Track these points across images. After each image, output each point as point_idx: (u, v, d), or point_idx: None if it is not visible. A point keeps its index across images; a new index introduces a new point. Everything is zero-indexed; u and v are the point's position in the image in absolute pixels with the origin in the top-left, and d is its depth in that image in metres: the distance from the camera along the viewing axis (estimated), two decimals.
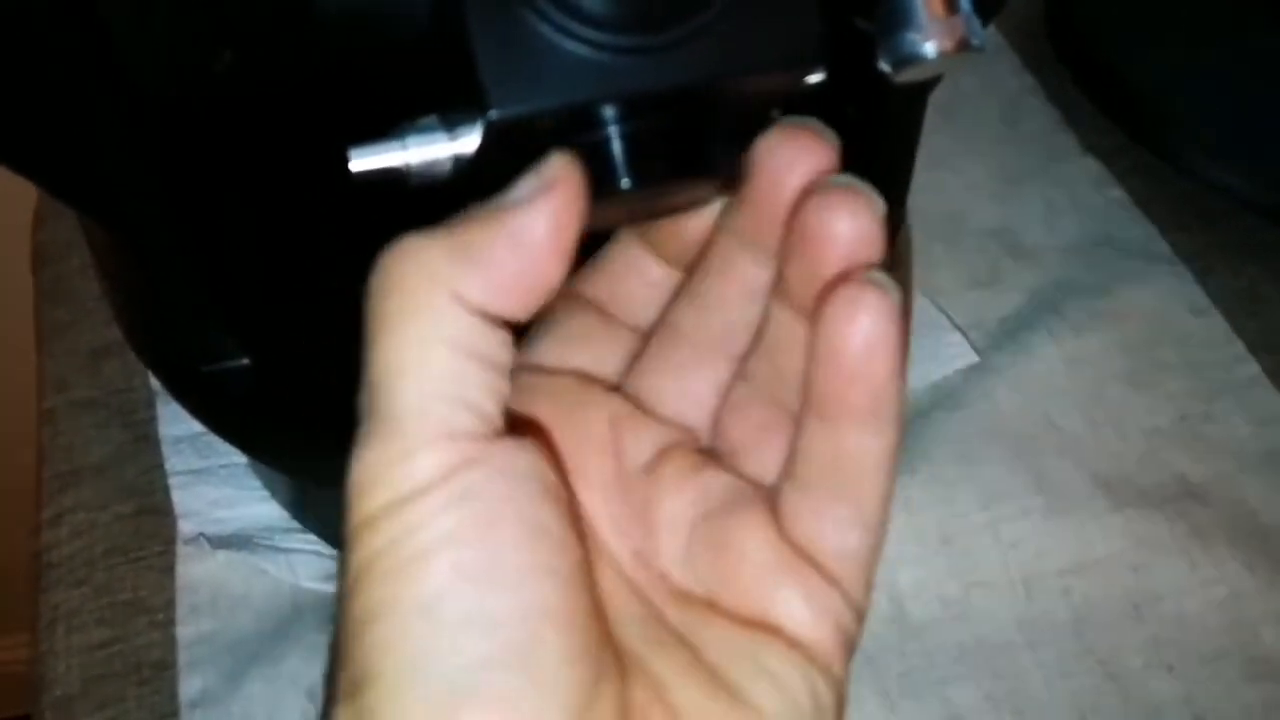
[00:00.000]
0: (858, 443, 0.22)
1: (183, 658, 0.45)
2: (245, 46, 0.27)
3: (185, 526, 0.48)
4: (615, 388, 0.26)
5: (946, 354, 0.53)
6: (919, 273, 0.55)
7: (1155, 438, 0.51)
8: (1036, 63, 0.66)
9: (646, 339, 0.26)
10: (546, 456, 0.22)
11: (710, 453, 0.25)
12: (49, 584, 0.48)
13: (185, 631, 0.46)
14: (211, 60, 0.28)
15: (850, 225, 0.21)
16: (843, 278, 0.21)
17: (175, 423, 0.51)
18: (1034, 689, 0.45)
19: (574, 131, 0.24)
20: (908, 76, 0.27)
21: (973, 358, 0.53)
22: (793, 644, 0.23)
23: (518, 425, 0.22)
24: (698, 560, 0.24)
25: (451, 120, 0.25)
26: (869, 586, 0.24)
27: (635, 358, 0.26)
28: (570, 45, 0.22)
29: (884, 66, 0.27)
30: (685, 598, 0.24)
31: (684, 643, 0.23)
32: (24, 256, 0.61)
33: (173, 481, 0.49)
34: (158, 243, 0.35)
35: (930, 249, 0.57)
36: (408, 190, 0.26)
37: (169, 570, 0.47)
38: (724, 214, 0.25)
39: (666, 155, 0.24)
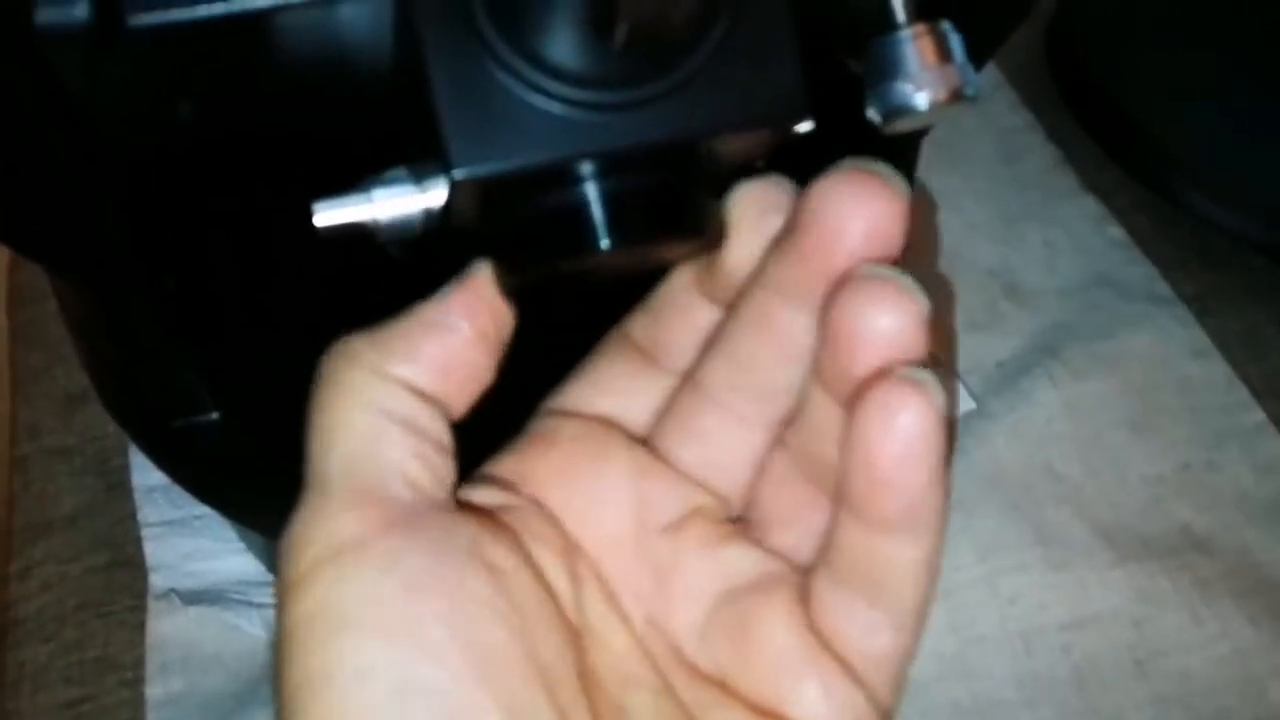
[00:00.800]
0: (892, 550, 0.20)
1: (152, 718, 0.44)
2: (202, 97, 0.25)
3: (157, 581, 0.46)
4: (645, 439, 0.24)
5: None
6: None
7: (1157, 487, 0.50)
8: (1034, 99, 0.65)
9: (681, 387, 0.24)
10: (505, 538, 0.22)
11: (740, 521, 0.24)
12: (16, 640, 0.46)
13: (155, 691, 0.44)
14: (172, 111, 0.27)
15: (889, 324, 0.19)
16: (880, 374, 0.19)
17: (148, 472, 0.49)
18: None
19: (547, 189, 0.23)
20: (898, 128, 0.26)
21: (970, 404, 0.51)
22: None
23: (474, 510, 0.22)
24: (715, 637, 0.23)
25: (420, 172, 0.24)
26: (898, 689, 0.22)
27: (669, 409, 0.24)
28: (539, 101, 0.21)
29: (873, 117, 0.26)
30: (697, 673, 0.23)
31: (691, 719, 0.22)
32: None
33: (145, 533, 0.48)
34: (125, 295, 0.34)
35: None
36: (378, 245, 0.25)
37: (140, 626, 0.46)
38: (768, 259, 0.22)
39: (647, 214, 0.23)
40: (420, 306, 0.22)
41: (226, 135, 0.27)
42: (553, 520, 0.23)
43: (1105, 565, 0.47)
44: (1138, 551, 0.48)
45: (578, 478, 0.23)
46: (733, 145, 0.23)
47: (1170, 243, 0.59)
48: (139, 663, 0.45)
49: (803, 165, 0.24)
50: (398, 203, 0.24)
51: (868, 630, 0.21)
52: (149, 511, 0.48)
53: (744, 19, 0.22)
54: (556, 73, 0.21)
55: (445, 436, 0.22)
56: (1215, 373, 0.54)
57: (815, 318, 0.21)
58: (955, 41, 0.25)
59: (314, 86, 0.25)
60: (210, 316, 0.34)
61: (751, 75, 0.22)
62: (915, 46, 0.25)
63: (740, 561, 0.23)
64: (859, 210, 0.20)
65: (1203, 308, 0.56)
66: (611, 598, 0.23)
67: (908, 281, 0.20)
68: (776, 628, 0.22)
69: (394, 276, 0.29)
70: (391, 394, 0.21)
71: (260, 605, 0.45)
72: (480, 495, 0.23)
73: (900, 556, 0.20)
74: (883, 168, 0.21)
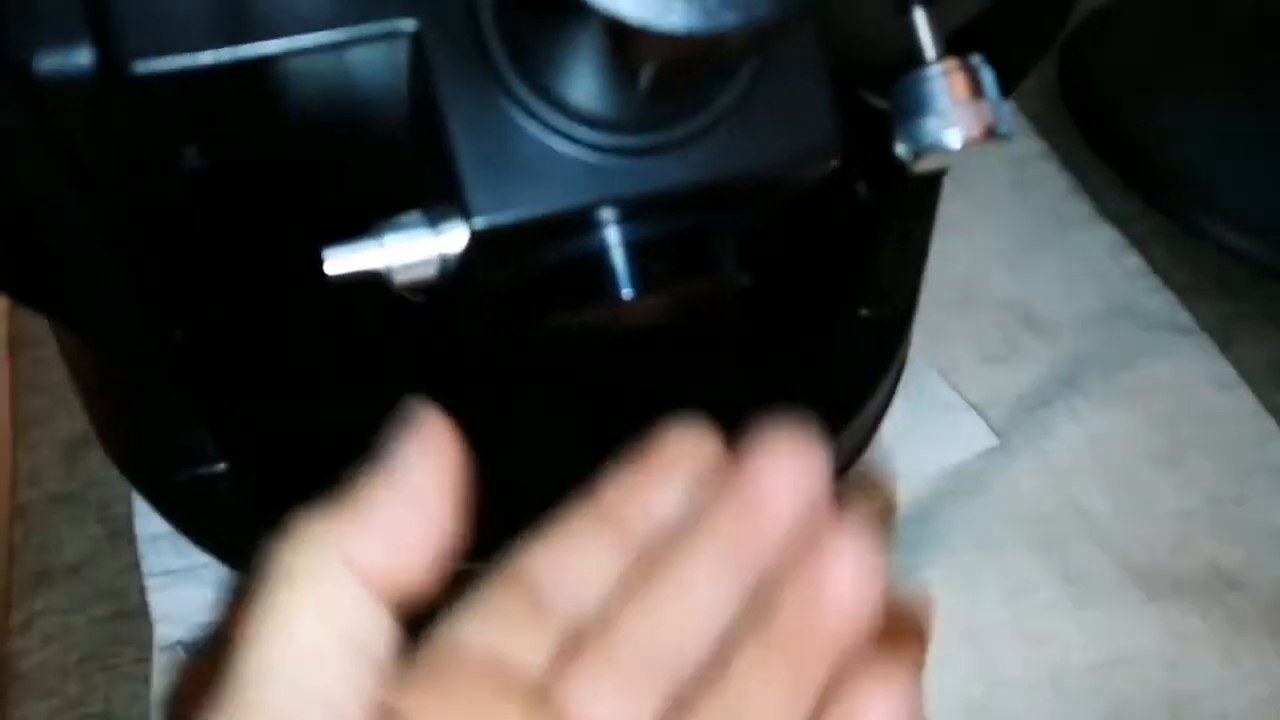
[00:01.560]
0: None
1: None
2: (207, 144, 0.24)
3: (162, 632, 0.45)
4: (540, 686, 0.22)
5: (963, 436, 0.50)
6: (931, 346, 0.53)
7: (1186, 522, 0.49)
8: (1048, 127, 0.64)
9: (584, 634, 0.22)
10: None
11: None
12: (17, 696, 0.45)
13: None
14: (176, 158, 0.26)
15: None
16: (848, 673, 0.20)
17: (152, 519, 0.48)
18: None
19: (568, 236, 0.22)
20: (927, 166, 0.25)
21: (992, 440, 0.50)
22: None
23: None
24: None
25: (435, 215, 0.23)
26: None
27: (567, 654, 0.22)
28: (561, 145, 0.20)
29: (903, 155, 0.25)
30: None
31: None
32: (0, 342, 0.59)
33: (149, 583, 0.46)
34: (130, 347, 0.33)
35: (942, 321, 0.55)
36: (394, 293, 0.24)
37: (145, 680, 0.45)
38: (698, 506, 0.22)
39: (672, 259, 0.22)
40: (374, 468, 0.22)
41: (232, 182, 0.26)
42: None
43: (1135, 603, 0.46)
44: (1168, 589, 0.46)
45: None
46: (762, 185, 0.22)
47: (1188, 271, 0.58)
48: (142, 718, 0.44)
49: (820, 204, 0.24)
50: (412, 248, 0.23)
51: None
52: (153, 561, 0.47)
53: (775, 53, 0.21)
54: (579, 115, 0.20)
55: (384, 647, 0.21)
56: (1241, 404, 0.52)
57: (742, 580, 0.21)
58: (987, 76, 0.24)
59: (324, 132, 0.24)
60: (218, 367, 0.33)
61: (784, 112, 0.21)
62: (946, 82, 0.24)
63: None
64: (793, 480, 0.21)
65: (1225, 337, 0.55)
66: None
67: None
68: None
69: (407, 323, 0.28)
70: (339, 597, 0.21)
71: None
72: None
73: None
74: (802, 427, 0.21)
